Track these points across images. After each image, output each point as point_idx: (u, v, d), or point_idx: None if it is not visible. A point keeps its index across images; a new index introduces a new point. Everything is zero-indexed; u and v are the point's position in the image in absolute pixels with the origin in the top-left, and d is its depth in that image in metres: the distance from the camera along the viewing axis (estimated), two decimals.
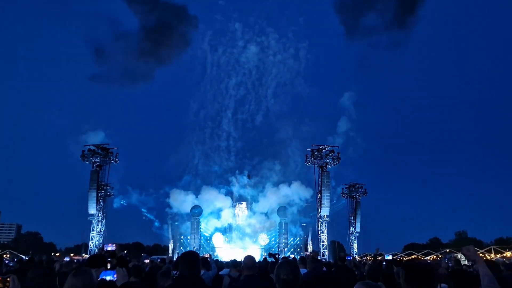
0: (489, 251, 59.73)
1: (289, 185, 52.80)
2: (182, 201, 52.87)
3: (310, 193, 50.80)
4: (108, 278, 4.28)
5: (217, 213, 54.15)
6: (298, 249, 51.09)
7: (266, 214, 53.41)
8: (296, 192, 51.98)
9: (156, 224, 54.66)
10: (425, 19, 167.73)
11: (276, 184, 54.11)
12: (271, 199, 53.09)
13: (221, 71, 70.35)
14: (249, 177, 57.19)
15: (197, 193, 54.07)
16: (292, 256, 39.92)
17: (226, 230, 54.24)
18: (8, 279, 2.27)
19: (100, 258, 4.57)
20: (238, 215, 54.89)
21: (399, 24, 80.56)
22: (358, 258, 44.69)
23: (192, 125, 68.21)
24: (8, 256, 55.96)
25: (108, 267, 4.98)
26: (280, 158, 57.07)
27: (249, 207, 55.43)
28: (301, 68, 71.50)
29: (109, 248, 23.38)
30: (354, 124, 58.92)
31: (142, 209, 54.45)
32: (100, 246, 42.98)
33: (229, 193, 56.14)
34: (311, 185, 49.36)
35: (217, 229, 53.93)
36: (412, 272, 2.80)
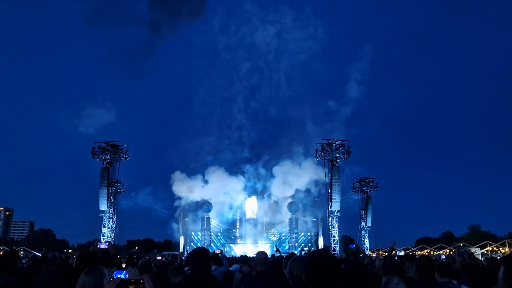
0: (503, 245, 59.03)
1: (303, 163, 51.68)
2: (188, 187, 52.13)
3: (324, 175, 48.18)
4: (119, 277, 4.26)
5: (228, 203, 53.56)
6: (309, 244, 50.98)
7: (277, 203, 52.48)
8: (308, 173, 50.73)
9: (172, 225, 54.14)
10: None
11: (290, 167, 52.76)
12: (283, 181, 51.87)
13: (233, 52, 68.28)
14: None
15: (206, 179, 53.01)
16: (306, 249, 39.85)
17: (236, 223, 53.99)
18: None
19: (91, 255, 4.55)
20: (248, 209, 54.66)
21: None
22: (370, 253, 44.48)
23: (201, 114, 66.83)
24: (21, 253, 56.76)
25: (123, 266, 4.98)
26: (295, 141, 55.94)
27: (260, 199, 54.69)
28: (319, 48, 69.13)
29: (102, 246, 23.56)
30: (368, 88, 55.77)
31: (154, 206, 54.51)
32: (110, 241, 43.32)
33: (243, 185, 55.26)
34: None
35: (227, 222, 53.64)
36: None
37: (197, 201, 51.66)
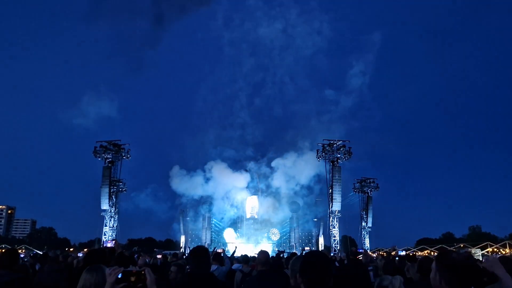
0: (504, 246, 58.90)
1: (305, 159, 51.00)
2: (189, 184, 51.55)
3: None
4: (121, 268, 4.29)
5: (230, 199, 52.99)
6: (310, 244, 50.90)
7: (278, 202, 51.90)
8: (310, 169, 50.21)
9: (174, 227, 53.70)
10: None
11: (292, 161, 52.03)
12: (285, 178, 51.31)
13: (237, 47, 67.41)
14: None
15: (208, 177, 52.17)
16: (307, 248, 39.72)
17: (237, 221, 53.68)
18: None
19: (99, 253, 4.60)
20: (249, 208, 54.34)
21: None
22: (370, 253, 44.45)
23: (204, 110, 66.16)
24: (23, 251, 56.84)
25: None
26: (299, 136, 55.63)
27: (262, 197, 54.25)
28: (324, 43, 68.30)
29: (108, 245, 23.62)
30: (371, 85, 55.14)
31: (156, 205, 54.22)
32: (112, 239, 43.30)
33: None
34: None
35: (229, 220, 53.35)
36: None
37: (199, 198, 51.20)
